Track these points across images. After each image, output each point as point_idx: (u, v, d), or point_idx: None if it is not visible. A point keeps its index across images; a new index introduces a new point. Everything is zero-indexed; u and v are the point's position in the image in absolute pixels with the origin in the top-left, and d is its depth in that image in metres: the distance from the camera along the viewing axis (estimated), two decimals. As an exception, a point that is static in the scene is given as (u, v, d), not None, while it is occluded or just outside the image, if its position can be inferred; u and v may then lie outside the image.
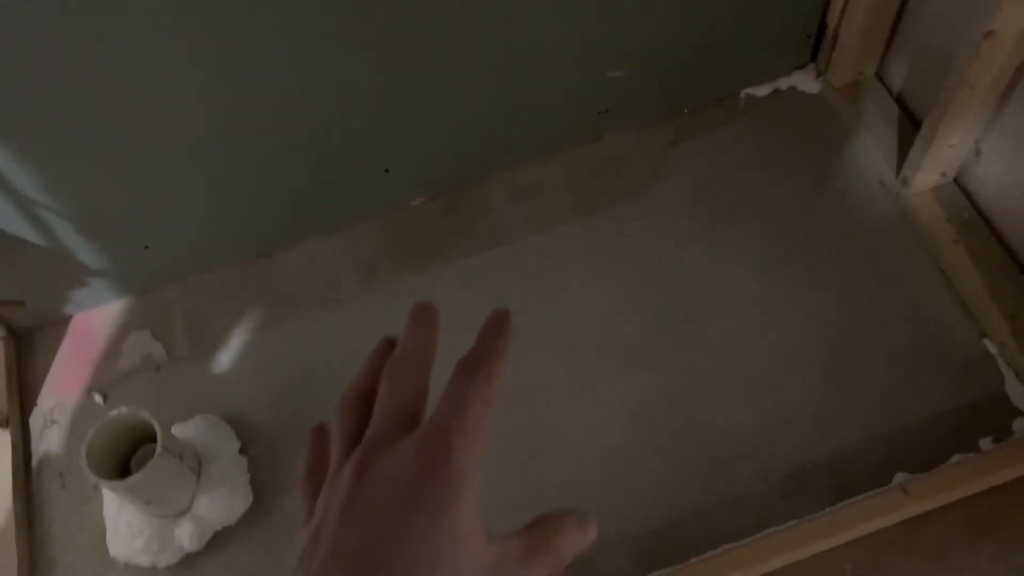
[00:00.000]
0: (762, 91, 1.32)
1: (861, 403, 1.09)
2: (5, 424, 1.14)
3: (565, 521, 0.31)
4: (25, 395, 1.19)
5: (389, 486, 0.28)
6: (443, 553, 0.27)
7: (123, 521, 1.04)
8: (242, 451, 1.11)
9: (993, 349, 1.09)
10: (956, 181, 1.19)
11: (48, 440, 1.16)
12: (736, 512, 1.04)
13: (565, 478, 1.09)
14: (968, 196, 1.17)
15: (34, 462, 1.15)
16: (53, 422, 1.17)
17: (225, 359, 1.20)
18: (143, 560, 1.04)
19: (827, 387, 1.11)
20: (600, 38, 1.15)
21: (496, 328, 0.33)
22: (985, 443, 1.04)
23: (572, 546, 0.31)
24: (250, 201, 1.18)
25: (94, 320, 1.24)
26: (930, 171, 1.15)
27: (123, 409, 1.00)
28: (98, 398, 1.18)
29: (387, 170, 1.21)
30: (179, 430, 1.09)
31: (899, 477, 1.03)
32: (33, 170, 1.00)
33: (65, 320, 1.24)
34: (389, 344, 0.36)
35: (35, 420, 1.18)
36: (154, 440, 1.05)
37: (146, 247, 1.17)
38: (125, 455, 1.05)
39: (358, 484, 0.29)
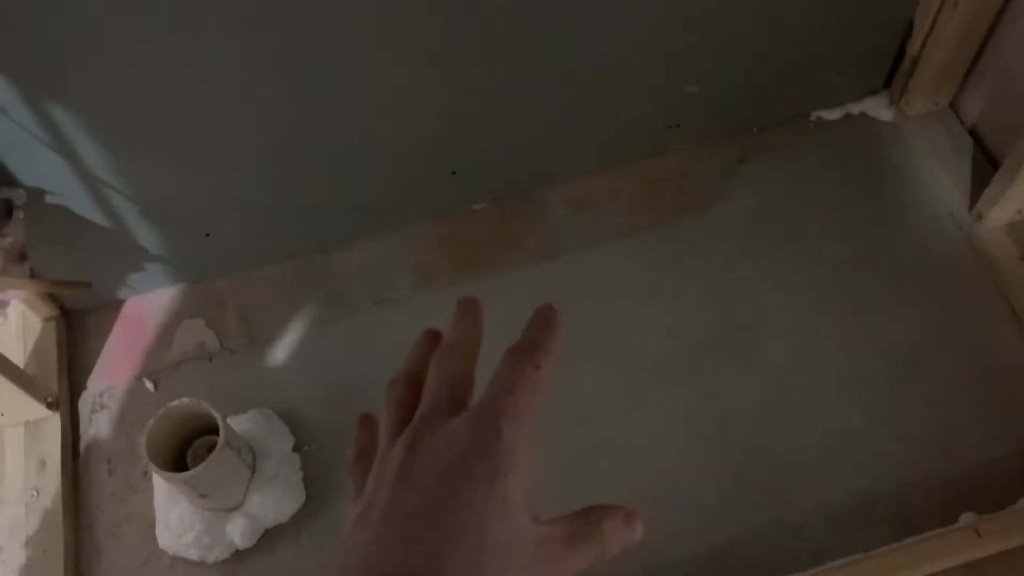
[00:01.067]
0: (833, 115, 1.31)
1: (923, 437, 1.08)
2: (56, 406, 1.12)
3: (612, 513, 0.32)
4: (75, 378, 1.18)
5: (441, 457, 0.29)
6: (491, 521, 0.27)
7: (174, 514, 1.03)
8: (296, 448, 1.09)
9: (1062, 391, 1.08)
10: (1029, 218, 1.17)
11: (97, 425, 1.15)
12: (792, 541, 1.03)
13: (618, 496, 1.07)
14: (1042, 235, 1.16)
15: (82, 446, 1.13)
16: (103, 406, 1.16)
17: (279, 353, 1.18)
18: (192, 554, 1.02)
19: (888, 418, 1.09)
20: (679, 53, 1.13)
21: (543, 321, 0.34)
22: (1053, 487, 1.03)
23: (617, 540, 0.31)
24: (314, 196, 1.16)
25: (146, 305, 1.22)
26: (1007, 207, 1.14)
27: (184, 399, 0.98)
28: (149, 385, 1.17)
29: (454, 173, 1.19)
30: (234, 423, 1.07)
31: (966, 516, 1.01)
32: (107, 152, 0.99)
33: (118, 304, 1.22)
34: (433, 335, 0.38)
35: (84, 404, 1.16)
36: (210, 432, 1.04)
37: (207, 235, 1.16)
38: (180, 446, 1.04)
39: (411, 456, 0.29)
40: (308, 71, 0.99)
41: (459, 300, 0.37)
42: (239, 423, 1.08)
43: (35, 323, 1.18)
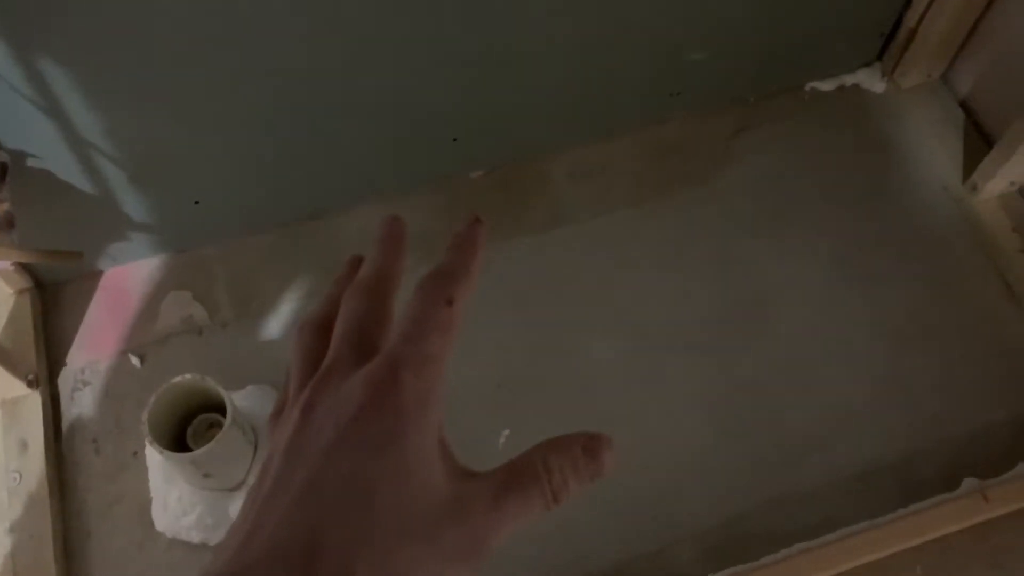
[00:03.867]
0: (827, 86, 1.31)
1: (925, 405, 1.10)
2: (35, 384, 1.05)
3: (563, 444, 0.28)
4: (53, 354, 1.11)
5: (331, 424, 0.26)
6: (379, 489, 0.24)
7: (173, 495, 0.98)
8: (297, 425, 1.05)
9: (1055, 359, 1.11)
10: (1020, 191, 1.20)
11: (80, 403, 1.08)
12: (805, 510, 1.04)
13: (630, 467, 1.07)
14: (1033, 207, 1.19)
15: (64, 426, 1.07)
16: (85, 383, 1.09)
17: (273, 326, 1.13)
18: (194, 536, 0.98)
19: (892, 387, 1.11)
20: (685, 18, 1.11)
21: (465, 240, 0.30)
22: (1049, 452, 1.06)
23: (574, 475, 0.27)
24: (311, 160, 1.11)
25: (129, 276, 1.16)
26: (1002, 179, 1.16)
27: (187, 376, 0.93)
28: (135, 360, 1.10)
29: (455, 139, 1.15)
30: (235, 400, 1.02)
31: (968, 482, 1.03)
32: (95, 110, 0.92)
33: (96, 275, 1.15)
34: (356, 263, 0.33)
35: (64, 381, 1.10)
36: (210, 409, 0.99)
37: (196, 202, 1.10)
38: (179, 424, 0.99)
39: (303, 423, 0.26)
40: (309, 33, 0.93)
41: (380, 220, 0.33)
42: (238, 400, 1.03)
43: (7, 296, 1.11)
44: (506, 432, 1.06)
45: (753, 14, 1.14)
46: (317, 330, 0.31)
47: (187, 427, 1.00)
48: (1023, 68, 1.13)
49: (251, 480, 0.99)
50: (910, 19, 1.22)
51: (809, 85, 1.31)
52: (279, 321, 1.14)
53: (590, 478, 0.28)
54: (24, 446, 1.03)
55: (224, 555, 0.24)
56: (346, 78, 1.01)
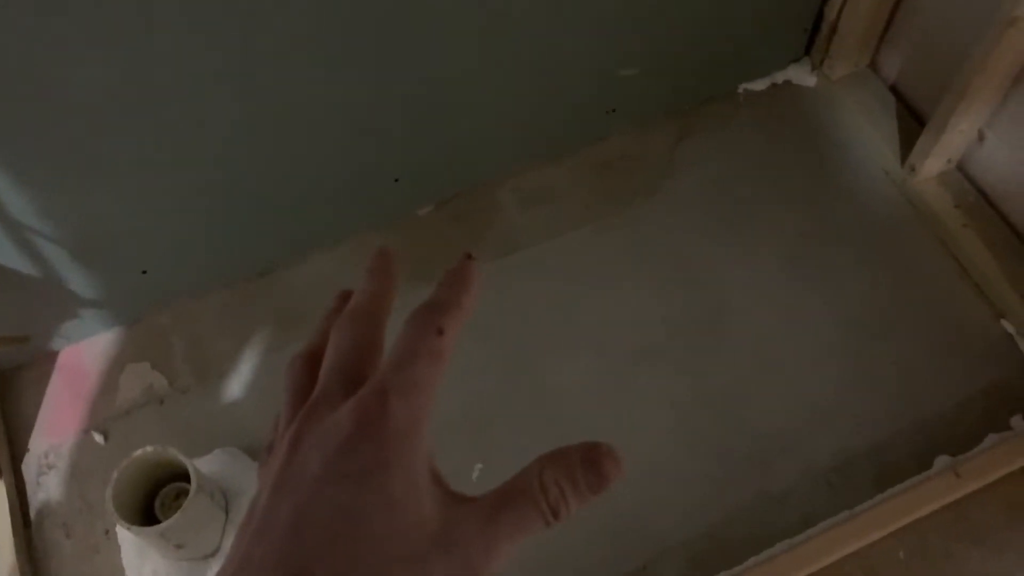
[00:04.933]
0: (759, 85, 1.33)
1: (891, 391, 1.10)
2: (-2, 473, 1.04)
3: (559, 459, 0.26)
4: (14, 440, 1.09)
5: (317, 457, 0.25)
6: (366, 520, 0.24)
7: (147, 569, 0.97)
8: (268, 483, 1.04)
9: (1011, 329, 1.12)
10: (958, 167, 1.21)
11: (46, 487, 1.07)
12: (783, 508, 1.04)
13: (613, 488, 1.07)
14: (971, 181, 1.20)
15: (33, 512, 1.05)
16: (50, 467, 1.08)
17: (234, 386, 1.13)
18: (173, 609, 0.96)
19: (858, 377, 1.11)
20: (612, 37, 1.13)
21: (457, 276, 0.29)
22: (1016, 420, 1.07)
23: (573, 490, 0.25)
24: (254, 215, 1.11)
25: (84, 354, 1.15)
26: (937, 158, 1.17)
27: (148, 448, 0.92)
28: (98, 437, 1.09)
29: (397, 180, 1.16)
30: (199, 466, 1.01)
31: (940, 460, 1.04)
32: (28, 191, 0.92)
33: (51, 356, 1.14)
34: (345, 297, 0.32)
35: (28, 467, 1.08)
36: (176, 479, 0.98)
37: (144, 272, 1.09)
38: (145, 497, 0.97)
39: (289, 457, 0.26)
40: (245, 86, 0.94)
41: (370, 253, 0.32)
42: (204, 465, 1.02)
43: (-39, 387, 1.09)
44: (479, 466, 1.06)
45: (676, 26, 1.16)
46: (306, 363, 0.30)
47: (155, 499, 0.98)
48: (945, 47, 1.15)
49: (226, 546, 0.98)
50: (830, 12, 1.24)
51: (743, 87, 1.33)
52: (240, 381, 1.13)
53: (591, 491, 0.26)
54: (-8, 538, 1.01)
55: None
56: (279, 134, 1.01)
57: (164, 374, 1.14)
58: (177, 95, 0.91)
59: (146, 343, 1.16)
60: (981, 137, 1.16)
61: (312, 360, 0.30)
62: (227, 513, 0.99)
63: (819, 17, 1.27)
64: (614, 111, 1.24)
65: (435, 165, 1.18)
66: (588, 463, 0.26)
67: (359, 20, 0.93)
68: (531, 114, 1.18)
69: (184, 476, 0.95)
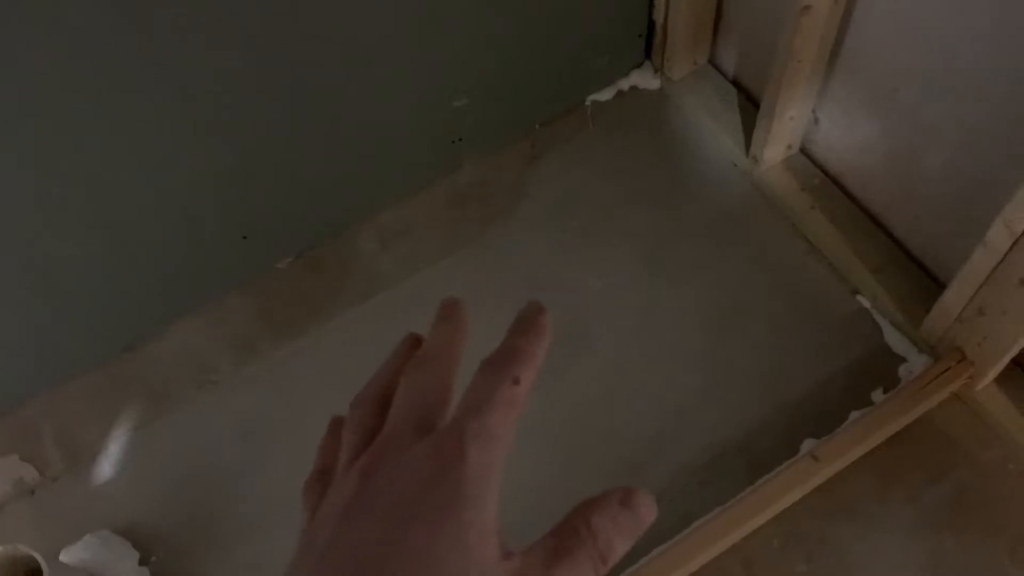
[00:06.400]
0: (605, 95, 1.34)
1: (756, 380, 1.12)
2: None
3: (601, 504, 0.27)
4: None
5: (393, 491, 0.25)
6: (442, 563, 0.24)
7: (21, 668, 0.95)
8: (142, 562, 1.03)
9: (867, 303, 1.14)
10: (802, 151, 1.23)
11: (-80, 597, 1.05)
12: (660, 511, 1.04)
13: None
14: (815, 163, 1.22)
15: (-93, 625, 1.03)
16: (-78, 576, 1.06)
17: (106, 468, 1.12)
18: None
19: (721, 371, 1.13)
20: (435, 70, 1.14)
21: (530, 324, 0.29)
22: (877, 395, 1.08)
23: (618, 533, 0.26)
24: (105, 295, 1.10)
25: (-50, 455, 1.13)
26: (776, 145, 1.19)
27: (-1, 548, 0.91)
28: (-30, 538, 1.07)
29: (245, 237, 1.16)
30: (69, 555, 1.00)
31: (807, 444, 1.05)
32: None
33: (-84, 462, 1.13)
34: (414, 341, 0.33)
35: (-99, 578, 1.06)
36: (40, 573, 0.96)
37: (-6, 366, 1.08)
38: (11, 596, 0.96)
39: (361, 488, 0.26)
40: (67, 164, 0.93)
41: (441, 302, 0.32)
42: (74, 553, 1.01)
43: None
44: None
45: (504, 52, 1.17)
46: (374, 401, 0.30)
47: (21, 596, 0.97)
48: (767, 37, 1.17)
49: (102, 632, 0.97)
50: (658, 15, 1.26)
51: (589, 99, 1.34)
52: (111, 461, 1.12)
53: (632, 534, 0.27)
54: None
55: None
56: (108, 206, 1.00)
57: (34, 464, 1.12)
58: (7, 189, 0.91)
59: (14, 435, 1.14)
60: (816, 120, 1.18)
61: (379, 401, 0.30)
62: (99, 599, 0.98)
63: (651, 22, 1.28)
64: (460, 140, 1.25)
65: (285, 218, 1.18)
66: (627, 505, 0.27)
67: (197, 72, 0.93)
68: (375, 154, 1.19)
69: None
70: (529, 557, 0.26)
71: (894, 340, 1.11)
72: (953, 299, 0.99)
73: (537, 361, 0.29)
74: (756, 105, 1.29)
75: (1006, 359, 0.99)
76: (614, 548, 0.26)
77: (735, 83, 1.31)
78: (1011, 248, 0.87)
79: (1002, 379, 1.04)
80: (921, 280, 1.12)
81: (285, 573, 0.26)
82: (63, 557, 1.00)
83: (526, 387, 0.28)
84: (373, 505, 0.25)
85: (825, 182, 1.21)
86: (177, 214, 1.07)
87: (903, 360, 1.10)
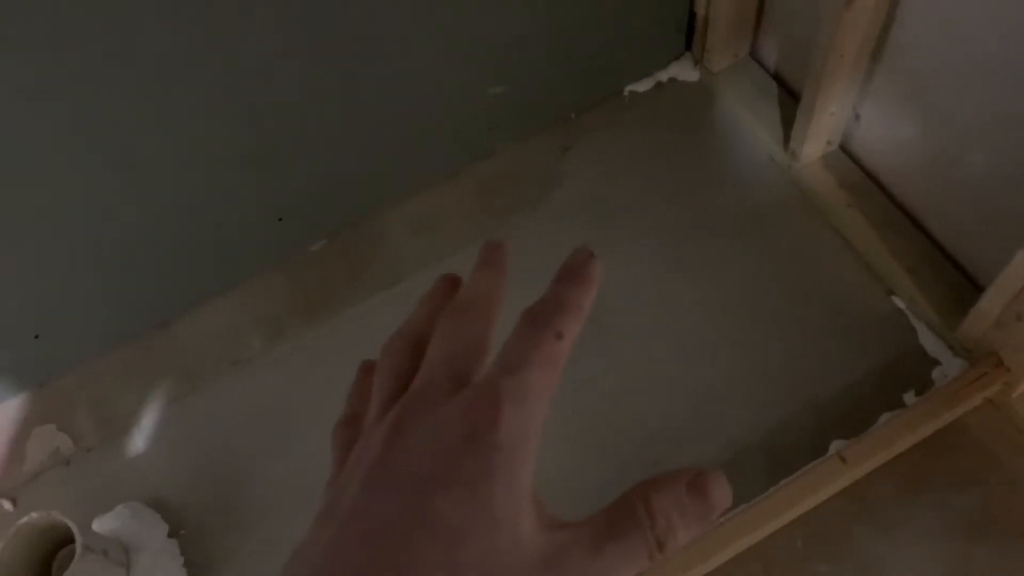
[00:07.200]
0: (644, 86, 1.33)
1: (785, 377, 1.10)
2: (-94, 551, 1.05)
3: (666, 484, 0.24)
4: (-75, 516, 1.11)
5: (420, 455, 0.23)
6: (470, 537, 0.22)
7: (51, 633, 0.98)
8: (171, 534, 1.05)
9: (902, 304, 1.12)
10: (842, 147, 1.21)
11: (-42, 559, 1.08)
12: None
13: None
14: (854, 160, 1.20)
15: (-55, 585, 1.07)
16: (-40, 539, 1.09)
17: (138, 441, 1.14)
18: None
19: (748, 368, 1.12)
20: (475, 57, 1.14)
21: (579, 273, 0.27)
22: (909, 397, 1.06)
23: (682, 519, 0.24)
24: (141, 272, 1.12)
25: (-10, 423, 1.16)
26: (815, 141, 1.17)
27: (33, 515, 0.93)
28: (7, 504, 1.11)
29: (281, 219, 1.17)
30: (101, 524, 1.03)
31: (835, 444, 1.04)
32: None
33: (-43, 428, 1.16)
34: (452, 282, 0.31)
35: (-60, 540, 1.10)
36: (74, 542, 0.99)
37: (36, 336, 1.11)
38: (46, 562, 0.99)
39: (388, 449, 0.24)
40: (112, 140, 0.95)
41: (483, 244, 0.30)
42: (106, 523, 1.03)
43: None
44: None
45: (542, 39, 1.17)
46: (407, 346, 0.28)
47: (54, 561, 1.00)
48: (809, 31, 1.15)
49: (130, 601, 0.99)
50: (699, 7, 1.25)
51: (627, 89, 1.33)
52: (143, 435, 1.14)
53: (699, 521, 0.24)
54: (-96, 616, 1.03)
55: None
56: (153, 184, 1.02)
57: (70, 435, 1.15)
58: (48, 171, 0.92)
59: (51, 406, 1.17)
60: (857, 117, 1.16)
61: (413, 344, 0.28)
62: (128, 569, 1.00)
63: (691, 12, 1.27)
64: (495, 128, 1.25)
65: (320, 201, 1.19)
66: (696, 489, 0.24)
67: (234, 57, 0.94)
68: (410, 140, 1.19)
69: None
70: (579, 531, 0.24)
71: (929, 342, 1.09)
72: (991, 303, 0.97)
73: (584, 313, 0.26)
74: (796, 100, 1.27)
75: (1043, 366, 0.97)
76: (675, 535, 0.23)
77: (776, 77, 1.30)
78: (1052, 253, 0.85)
79: (1039, 386, 1.02)
80: (958, 282, 1.10)
81: (309, 527, 0.25)
82: (95, 526, 1.03)
83: (570, 343, 0.25)
84: (398, 470, 0.23)
85: (863, 179, 1.19)
86: (218, 194, 1.08)
87: (937, 363, 1.08)
